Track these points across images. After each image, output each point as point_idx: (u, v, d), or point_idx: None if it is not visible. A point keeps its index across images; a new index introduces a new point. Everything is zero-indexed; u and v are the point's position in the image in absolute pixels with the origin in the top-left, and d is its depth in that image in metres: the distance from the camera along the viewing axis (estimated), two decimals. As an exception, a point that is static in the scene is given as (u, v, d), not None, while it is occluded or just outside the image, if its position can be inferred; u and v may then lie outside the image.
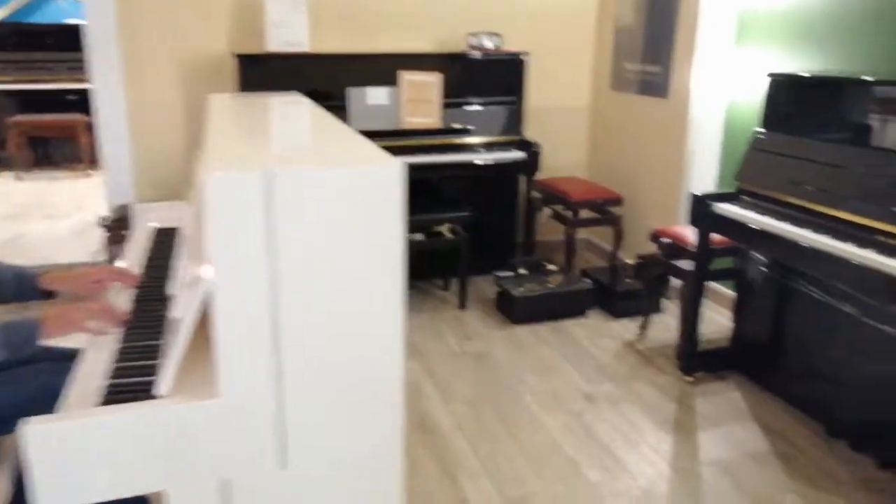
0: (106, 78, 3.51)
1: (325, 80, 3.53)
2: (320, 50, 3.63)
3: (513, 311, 3.38)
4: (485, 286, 3.76)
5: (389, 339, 1.17)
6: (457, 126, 3.65)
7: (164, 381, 1.09)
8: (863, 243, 1.98)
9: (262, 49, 3.46)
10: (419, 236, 3.59)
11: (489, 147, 3.67)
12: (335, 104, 3.47)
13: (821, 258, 2.06)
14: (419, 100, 3.55)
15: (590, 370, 2.89)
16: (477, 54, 3.72)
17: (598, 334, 3.24)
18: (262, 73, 3.42)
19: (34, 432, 1.01)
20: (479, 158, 3.58)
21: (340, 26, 3.72)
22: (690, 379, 2.76)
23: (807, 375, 2.48)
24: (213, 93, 3.60)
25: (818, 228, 2.13)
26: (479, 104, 3.73)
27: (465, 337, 3.22)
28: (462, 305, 3.54)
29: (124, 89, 3.54)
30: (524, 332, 3.28)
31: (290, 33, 3.47)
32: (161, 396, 1.10)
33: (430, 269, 3.84)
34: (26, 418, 1.01)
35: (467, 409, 2.59)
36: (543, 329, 3.30)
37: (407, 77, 3.52)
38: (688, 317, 2.76)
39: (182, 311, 1.10)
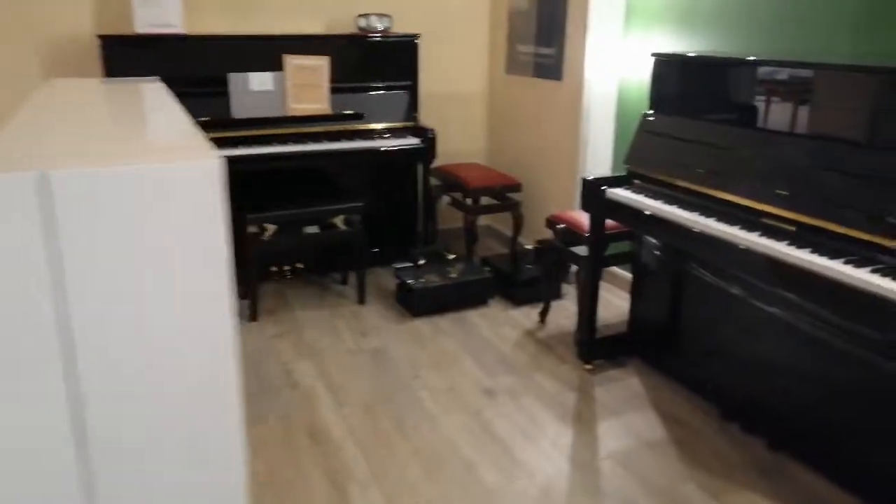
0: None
1: (204, 64, 3.27)
2: (197, 31, 3.35)
3: (412, 303, 3.26)
4: (386, 279, 3.62)
5: (217, 365, 1.00)
6: (348, 112, 3.47)
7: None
8: (749, 226, 1.97)
9: (130, 30, 3.15)
10: (313, 229, 3.40)
11: (383, 134, 3.52)
12: (215, 90, 3.22)
13: (709, 242, 2.04)
14: (306, 85, 3.35)
15: (490, 362, 2.80)
16: (368, 36, 3.54)
17: (499, 324, 3.17)
18: (131, 56, 3.13)
19: None
20: (373, 146, 3.42)
21: (220, 5, 3.45)
22: (590, 367, 2.72)
23: (701, 359, 2.48)
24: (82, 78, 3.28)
25: (707, 212, 2.11)
26: (371, 89, 3.56)
27: (362, 333, 3.07)
28: (361, 300, 3.38)
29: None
30: (424, 325, 3.16)
31: (160, 13, 3.18)
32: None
33: (327, 263, 3.66)
34: None
35: (361, 413, 2.45)
36: (444, 321, 3.19)
37: (292, 61, 3.31)
38: (585, 304, 2.71)
39: None
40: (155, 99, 1.65)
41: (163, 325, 0.96)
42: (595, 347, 2.76)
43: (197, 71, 3.27)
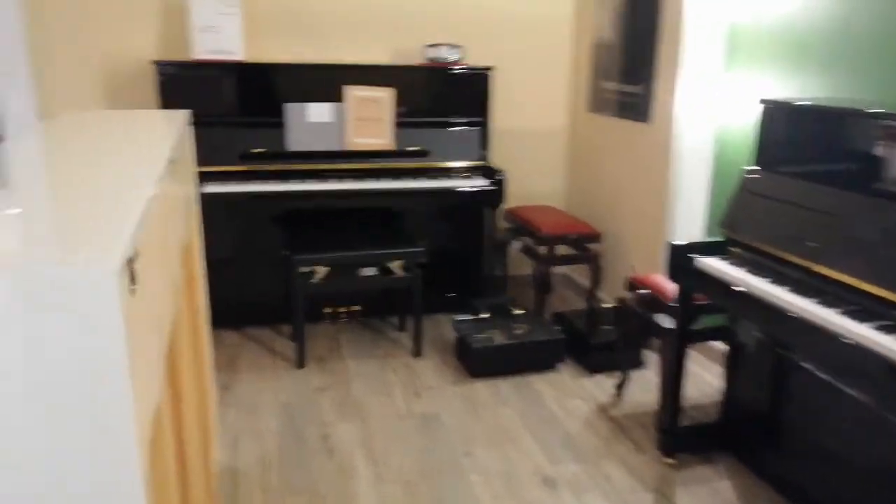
0: (14, 86, 3.06)
1: (260, 92, 3.09)
2: (256, 59, 3.19)
3: (471, 362, 2.93)
4: (447, 328, 3.31)
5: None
6: (412, 149, 3.21)
7: None
8: (862, 316, 1.55)
9: (189, 56, 3.02)
10: (370, 271, 3.14)
11: (449, 173, 3.24)
12: (271, 121, 3.03)
13: (813, 332, 1.63)
14: (368, 118, 3.11)
15: (553, 443, 2.43)
16: (437, 68, 3.29)
17: (568, 394, 2.79)
18: (187, 83, 2.98)
19: None
20: (438, 186, 3.14)
21: (282, 32, 3.29)
22: (671, 461, 2.31)
23: (809, 463, 2.03)
24: (136, 103, 3.17)
25: (813, 295, 1.70)
26: (438, 125, 3.30)
27: (415, 393, 2.76)
28: (416, 352, 3.08)
29: (34, 96, 3.09)
30: (483, 388, 2.82)
31: (219, 39, 3.03)
32: None
33: (385, 306, 3.39)
34: None
35: (400, 493, 2.13)
36: (506, 385, 2.84)
37: (354, 92, 3.08)
38: (668, 384, 2.31)
39: None
40: (142, 144, 1.41)
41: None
42: (679, 437, 2.34)
43: (253, 99, 3.10)
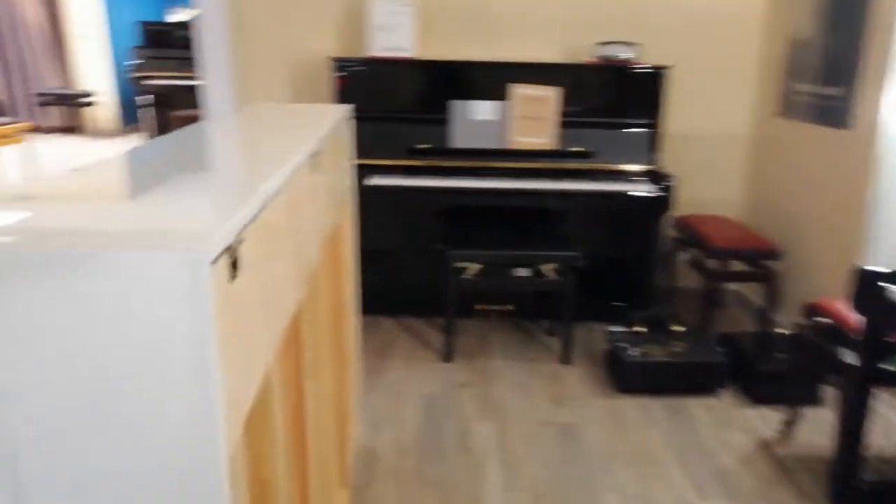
0: (215, 75, 3.40)
1: (429, 89, 3.16)
2: (427, 56, 3.26)
3: (621, 376, 2.78)
4: (599, 337, 3.18)
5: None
6: (575, 149, 3.10)
7: None
8: None
9: (365, 53, 3.16)
10: (524, 271, 3.10)
11: (614, 176, 3.09)
12: (437, 117, 3.09)
13: None
14: (532, 117, 3.06)
15: (703, 475, 2.23)
16: (608, 66, 3.15)
17: (727, 423, 2.55)
18: (360, 78, 3.12)
19: None
20: (601, 189, 3.01)
21: (454, 31, 3.33)
22: (842, 518, 2.02)
23: None
24: (316, 97, 3.38)
25: None
26: (605, 125, 3.16)
27: (558, 401, 2.68)
28: (565, 360, 2.99)
29: (232, 87, 3.41)
30: (631, 405, 2.67)
31: (393, 37, 3.13)
32: None
33: (538, 309, 3.33)
34: None
35: (530, 502, 2.07)
36: (656, 405, 2.67)
37: (519, 90, 3.05)
38: (848, 429, 2.02)
39: None
40: (289, 141, 1.46)
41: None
42: (859, 492, 2.04)
43: (421, 96, 3.18)
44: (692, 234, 3.19)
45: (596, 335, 3.22)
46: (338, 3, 3.32)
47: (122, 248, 0.64)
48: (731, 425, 2.54)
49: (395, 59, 3.12)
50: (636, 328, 2.97)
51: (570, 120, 3.11)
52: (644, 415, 2.60)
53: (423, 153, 3.09)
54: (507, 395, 2.70)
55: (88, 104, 7.91)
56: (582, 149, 3.11)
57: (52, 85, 8.10)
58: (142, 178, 0.98)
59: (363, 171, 3.01)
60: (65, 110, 8.20)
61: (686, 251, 3.30)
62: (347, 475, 1.96)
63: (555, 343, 3.15)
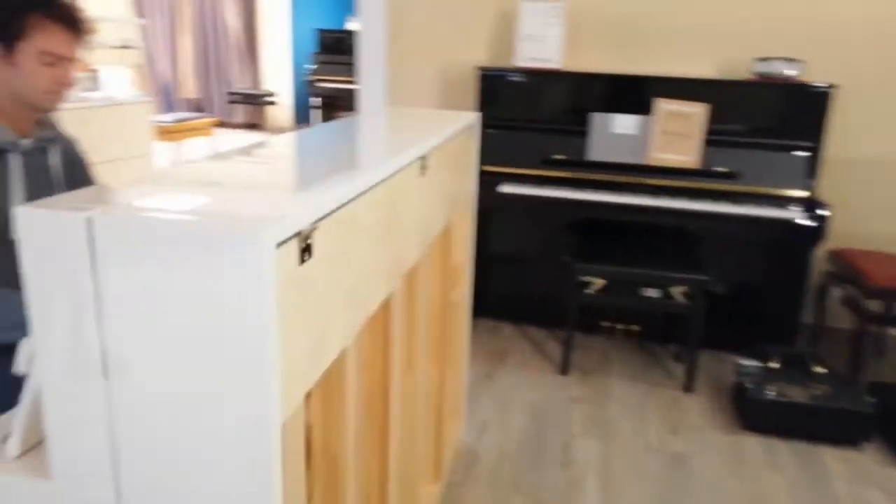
0: (371, 80, 3.63)
1: (571, 101, 3.15)
2: (573, 67, 3.26)
3: (746, 411, 2.61)
4: (729, 368, 3.01)
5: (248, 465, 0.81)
6: (719, 169, 2.96)
7: (13, 442, 0.90)
8: None
9: (512, 63, 3.22)
10: (653, 292, 3.01)
11: (761, 201, 2.91)
12: (575, 129, 3.08)
13: None
14: (675, 133, 2.96)
15: (824, 531, 2.05)
16: (765, 83, 2.97)
17: (867, 480, 2.31)
18: (503, 88, 3.19)
19: None
20: (746, 213, 2.84)
21: (603, 43, 3.30)
22: None
23: None
24: (462, 104, 3.50)
25: None
26: (757, 146, 2.98)
27: (672, 429, 2.57)
28: (687, 388, 2.86)
29: (385, 92, 3.62)
30: (754, 444, 2.50)
31: (541, 48, 3.17)
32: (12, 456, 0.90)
33: (666, 332, 3.22)
34: None
35: (623, 531, 2.02)
36: (784, 449, 2.48)
37: (664, 105, 2.96)
38: None
39: (23, 367, 0.89)
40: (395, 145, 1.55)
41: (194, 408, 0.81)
42: None
43: (563, 107, 3.18)
44: (849, 270, 2.92)
45: (726, 366, 3.04)
46: (490, 15, 3.41)
47: (212, 230, 0.75)
48: (872, 484, 2.30)
49: (540, 69, 3.15)
50: (771, 364, 2.77)
51: (718, 138, 2.97)
52: (768, 456, 2.42)
53: (558, 164, 3.09)
54: (618, 416, 2.64)
55: (270, 103, 8.68)
56: (727, 169, 2.95)
57: (242, 86, 8.98)
58: (257, 165, 1.11)
59: (497, 178, 3.07)
60: (249, 108, 9.06)
61: (840, 287, 3.02)
62: (442, 470, 2.02)
63: (680, 370, 3.02)
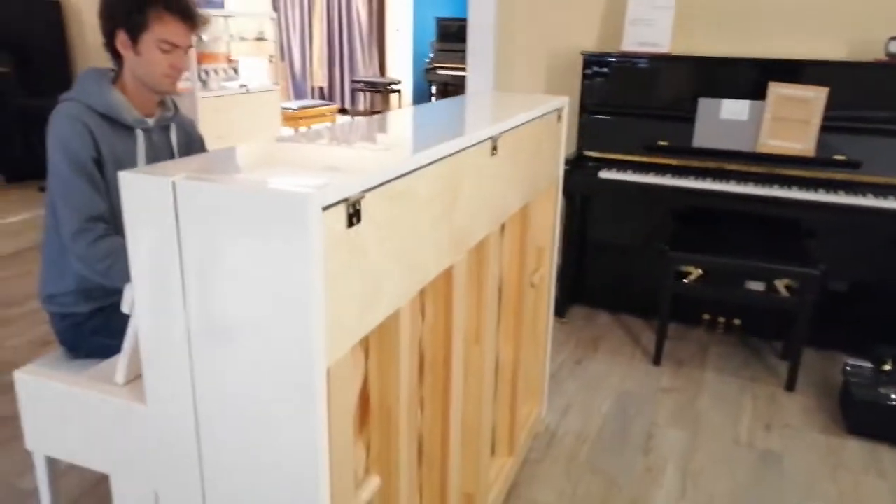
0: (479, 67, 3.71)
1: (678, 86, 3.07)
2: (683, 52, 3.17)
3: (851, 415, 2.48)
4: (838, 369, 2.85)
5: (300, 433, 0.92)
6: (838, 158, 2.78)
7: (119, 372, 1.07)
8: None
9: (619, 48, 3.18)
10: (757, 285, 2.91)
11: (885, 191, 2.71)
12: (682, 114, 3.01)
13: None
14: (789, 119, 2.81)
15: (922, 542, 1.93)
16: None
17: (979, 495, 2.14)
18: (607, 73, 3.16)
19: (20, 381, 1.09)
20: (866, 204, 2.66)
21: (717, 25, 3.18)
22: None
23: None
24: (568, 89, 3.50)
25: None
26: (885, 133, 2.77)
27: (766, 425, 2.49)
28: (789, 386, 2.74)
29: (494, 79, 3.69)
30: (856, 448, 2.37)
31: (648, 32, 3.11)
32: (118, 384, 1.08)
33: (770, 327, 3.09)
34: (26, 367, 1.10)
35: (698, 520, 2.00)
36: (889, 456, 2.33)
37: (778, 90, 2.82)
38: None
39: (127, 308, 1.05)
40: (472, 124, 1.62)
41: (255, 360, 0.94)
42: None
43: (669, 92, 3.10)
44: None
45: (833, 366, 2.88)
46: (600, 1, 3.38)
47: (268, 195, 0.87)
48: None
49: (645, 54, 3.10)
50: (885, 367, 2.60)
51: (838, 125, 2.79)
52: (869, 462, 2.29)
53: (662, 150, 3.03)
54: (709, 408, 2.58)
55: (394, 91, 8.98)
56: (844, 157, 2.77)
57: (366, 74, 9.35)
58: (333, 143, 1.23)
59: (599, 164, 3.07)
60: (372, 96, 9.42)
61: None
62: (517, 446, 2.09)
63: (782, 367, 2.89)
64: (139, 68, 1.68)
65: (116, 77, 1.74)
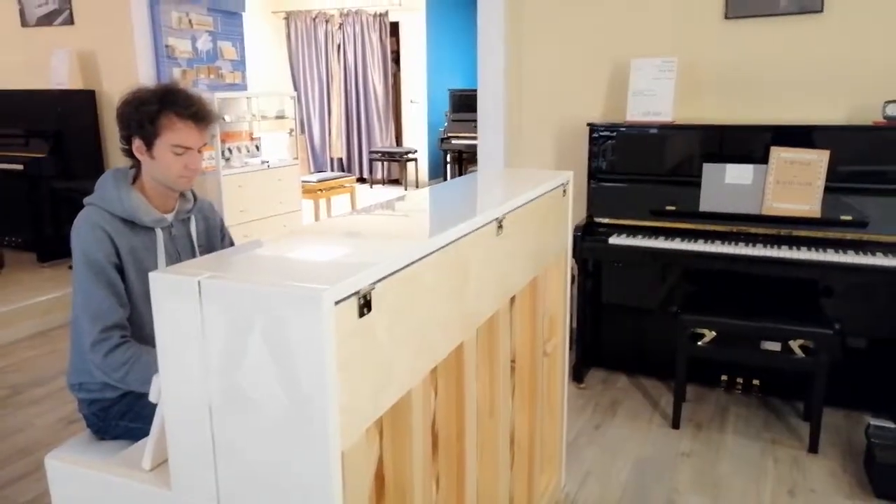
0: (490, 138, 3.84)
1: (682, 152, 3.16)
2: (685, 120, 3.28)
3: (878, 477, 2.44)
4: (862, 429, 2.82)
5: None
6: (845, 218, 2.83)
7: (146, 458, 1.13)
8: None
9: (624, 119, 3.30)
10: (772, 345, 2.92)
11: (892, 249, 2.74)
12: (687, 180, 3.09)
13: None
14: (793, 182, 2.88)
15: None
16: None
17: None
18: (613, 142, 3.27)
19: (51, 466, 1.15)
20: (876, 263, 2.68)
21: (718, 92, 3.30)
22: None
23: None
24: (576, 159, 3.61)
25: None
26: (886, 193, 2.82)
27: (791, 491, 2.46)
28: (812, 448, 2.71)
29: (504, 148, 3.81)
30: (885, 513, 2.33)
31: (651, 102, 3.23)
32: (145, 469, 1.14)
33: (790, 387, 3.08)
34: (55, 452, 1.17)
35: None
36: (919, 520, 2.29)
37: (780, 154, 2.90)
38: None
39: (155, 397, 1.12)
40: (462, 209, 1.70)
41: (270, 449, 0.99)
42: None
43: (674, 159, 3.18)
44: None
45: (859, 425, 2.85)
46: (604, 74, 3.52)
47: (285, 292, 0.95)
48: None
49: (649, 123, 3.21)
50: (908, 426, 2.57)
51: (842, 186, 2.85)
52: (899, 528, 2.25)
53: (670, 215, 3.10)
54: (730, 473, 2.56)
55: (410, 160, 9.22)
56: (853, 217, 2.82)
57: (383, 144, 9.62)
58: (337, 234, 1.31)
59: (609, 230, 3.14)
60: (389, 165, 9.67)
61: None
62: (536, 514, 2.09)
63: (804, 428, 2.86)
64: (155, 170, 1.79)
65: (136, 175, 1.84)
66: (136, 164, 1.83)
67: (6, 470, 2.62)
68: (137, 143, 1.76)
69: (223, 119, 5.29)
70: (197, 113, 1.77)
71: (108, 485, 1.18)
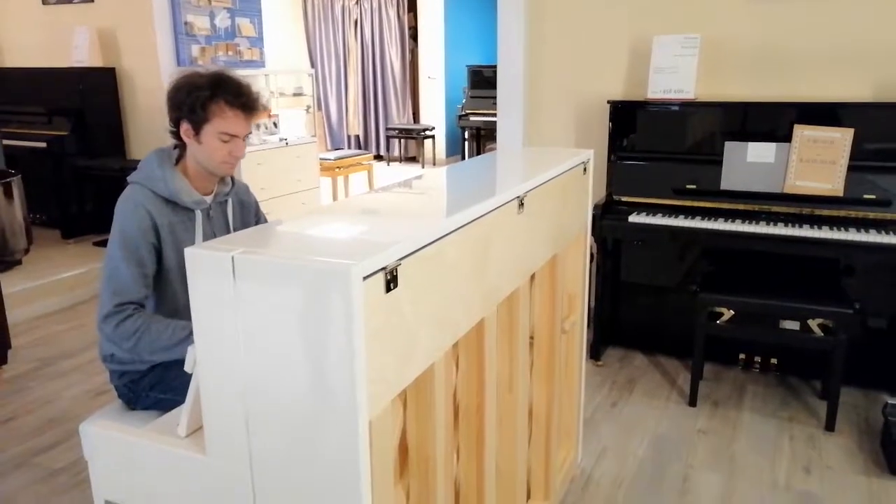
0: (510, 116, 3.83)
1: (704, 130, 3.15)
2: (708, 97, 3.25)
3: (892, 456, 2.45)
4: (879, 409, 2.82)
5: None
6: (868, 197, 2.81)
7: (181, 425, 1.17)
8: None
9: (645, 96, 3.28)
10: (791, 324, 2.93)
11: (915, 229, 2.72)
12: (709, 158, 3.08)
13: None
14: (816, 160, 2.86)
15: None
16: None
17: None
18: (634, 120, 3.25)
19: (86, 432, 1.20)
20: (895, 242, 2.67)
21: (743, 69, 3.26)
22: None
23: None
24: (595, 136, 3.60)
25: None
26: (908, 171, 2.80)
27: (805, 468, 2.48)
28: (829, 426, 2.72)
29: (524, 126, 3.81)
30: (900, 491, 2.34)
31: (673, 79, 3.21)
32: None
33: (808, 366, 3.08)
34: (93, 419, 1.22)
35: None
36: (936, 499, 2.30)
37: (804, 132, 2.87)
38: None
39: (190, 367, 1.16)
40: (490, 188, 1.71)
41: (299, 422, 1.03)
42: None
43: (695, 137, 3.17)
44: None
45: (876, 404, 2.85)
46: (625, 51, 3.49)
47: (316, 268, 0.98)
48: None
49: (671, 100, 3.18)
50: (926, 406, 2.57)
51: (866, 164, 2.83)
52: (915, 506, 2.26)
53: (690, 194, 3.09)
54: (747, 450, 2.58)
55: (428, 137, 9.21)
56: (875, 196, 2.80)
57: (400, 121, 9.61)
58: (365, 213, 1.34)
59: (629, 208, 3.14)
60: (406, 142, 9.66)
61: None
62: (552, 489, 2.13)
63: (822, 407, 2.87)
64: (200, 154, 1.82)
65: (180, 156, 1.88)
66: (180, 145, 1.87)
67: (39, 439, 2.70)
68: (185, 127, 1.80)
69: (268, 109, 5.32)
70: (246, 103, 1.80)
71: (144, 450, 1.23)
